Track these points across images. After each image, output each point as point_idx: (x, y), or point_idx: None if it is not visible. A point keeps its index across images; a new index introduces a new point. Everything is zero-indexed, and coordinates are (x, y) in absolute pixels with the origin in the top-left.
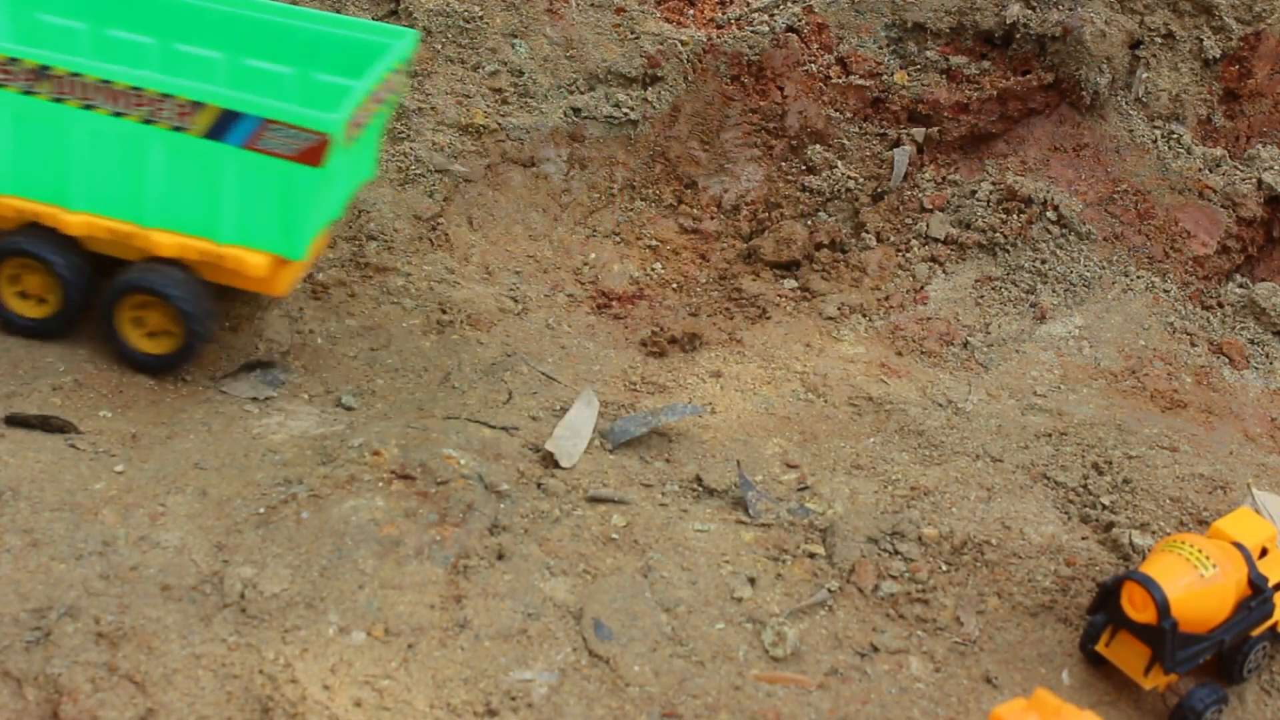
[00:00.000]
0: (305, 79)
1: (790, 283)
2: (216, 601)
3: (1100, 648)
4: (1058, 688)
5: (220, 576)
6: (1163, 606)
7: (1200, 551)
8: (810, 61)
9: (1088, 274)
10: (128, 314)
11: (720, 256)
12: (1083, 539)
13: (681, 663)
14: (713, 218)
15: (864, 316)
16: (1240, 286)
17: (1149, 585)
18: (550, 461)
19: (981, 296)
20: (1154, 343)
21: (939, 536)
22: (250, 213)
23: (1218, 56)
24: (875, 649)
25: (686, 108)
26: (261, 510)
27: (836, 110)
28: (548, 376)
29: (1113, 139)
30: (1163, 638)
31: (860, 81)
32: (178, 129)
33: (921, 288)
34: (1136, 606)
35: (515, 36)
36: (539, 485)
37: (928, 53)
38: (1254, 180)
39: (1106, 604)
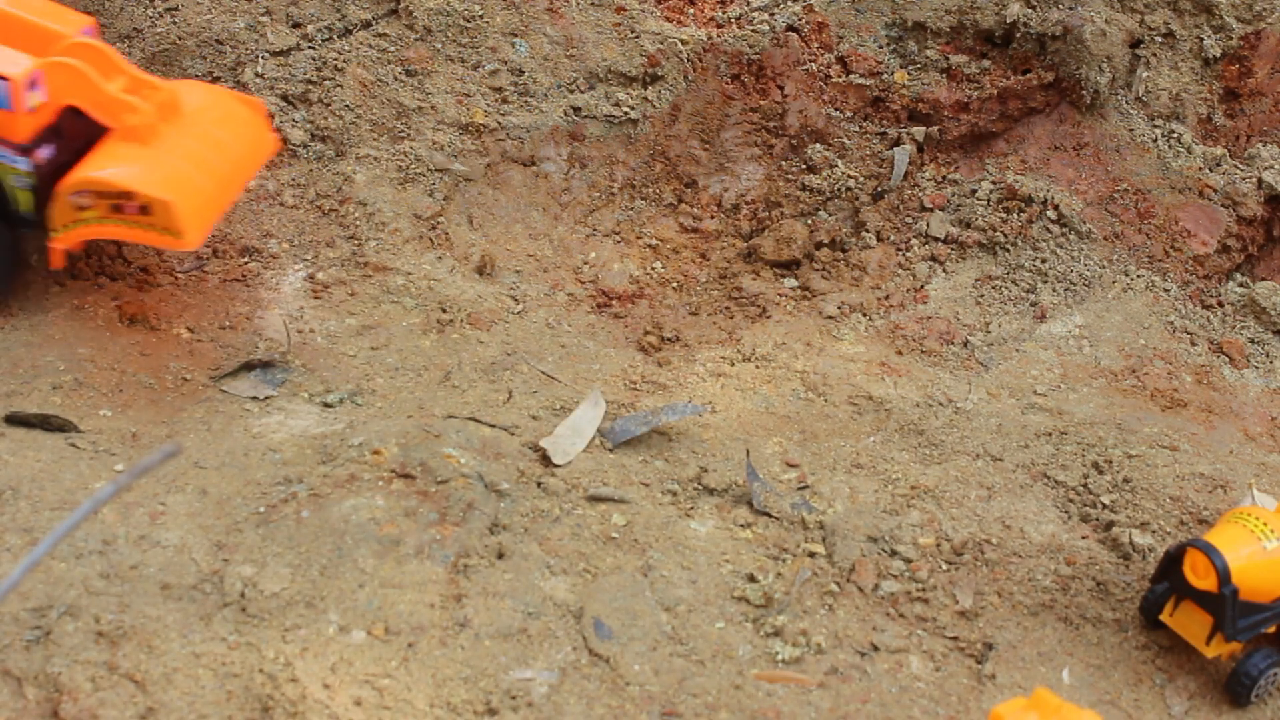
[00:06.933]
0: None
1: (790, 282)
2: (216, 600)
3: (1164, 617)
4: (1058, 687)
5: (220, 575)
6: (1224, 573)
7: (1264, 524)
8: (810, 60)
9: (1088, 273)
10: None
11: (720, 255)
12: (1083, 538)
13: (681, 661)
14: (713, 217)
15: (864, 315)
16: (1240, 285)
17: (1210, 552)
18: (548, 459)
19: (982, 295)
20: (1154, 342)
21: (939, 536)
22: None
23: (1218, 55)
24: (875, 648)
25: (686, 107)
26: (261, 509)
27: (837, 109)
28: (548, 375)
29: (1113, 138)
30: (1223, 604)
31: (860, 80)
32: None
33: (922, 287)
34: (1198, 574)
35: (515, 35)
36: (539, 484)
37: (928, 52)
38: (1254, 179)
39: (1169, 572)
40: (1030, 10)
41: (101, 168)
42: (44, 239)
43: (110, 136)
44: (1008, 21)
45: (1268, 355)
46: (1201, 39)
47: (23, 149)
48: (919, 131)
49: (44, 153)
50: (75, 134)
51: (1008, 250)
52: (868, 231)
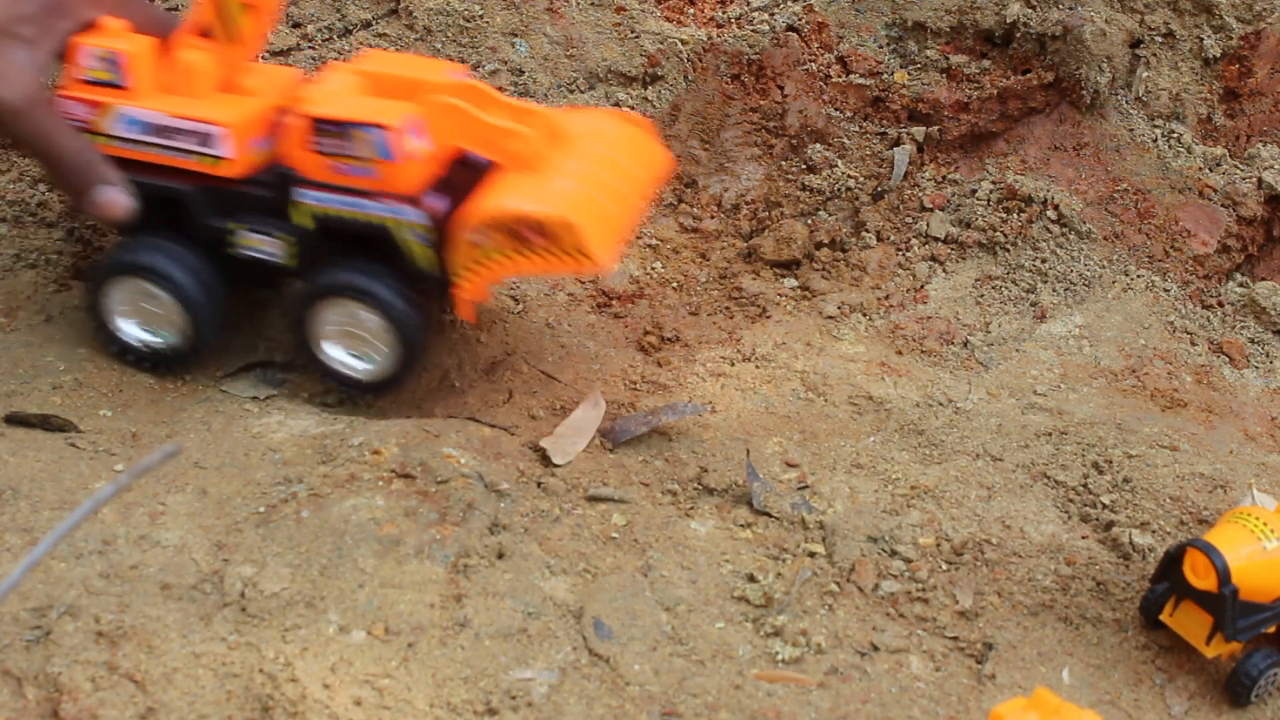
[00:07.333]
0: None
1: (790, 282)
2: (216, 600)
3: (1164, 617)
4: (1058, 687)
5: (220, 575)
6: (1223, 573)
7: (1264, 524)
8: (810, 60)
9: (1088, 273)
10: None
11: (720, 255)
12: (1083, 538)
13: (681, 661)
14: (713, 217)
15: (864, 315)
16: (1240, 285)
17: (1210, 552)
18: (548, 459)
19: (982, 295)
20: (1154, 342)
21: (939, 536)
22: None
23: (1218, 55)
24: (875, 648)
25: (686, 107)
26: (261, 509)
27: (837, 109)
28: (548, 375)
29: (1113, 138)
30: (1223, 605)
31: (860, 80)
32: None
33: (921, 287)
34: (1198, 574)
35: (515, 35)
36: (539, 484)
37: (928, 51)
38: (1254, 179)
39: (1169, 572)
40: (1030, 10)
41: (495, 199)
42: (446, 293)
43: (499, 170)
44: (1008, 21)
45: (1268, 355)
46: (1201, 39)
47: (412, 200)
48: (919, 131)
49: (437, 203)
50: (468, 183)
51: (1008, 250)
52: (868, 231)
